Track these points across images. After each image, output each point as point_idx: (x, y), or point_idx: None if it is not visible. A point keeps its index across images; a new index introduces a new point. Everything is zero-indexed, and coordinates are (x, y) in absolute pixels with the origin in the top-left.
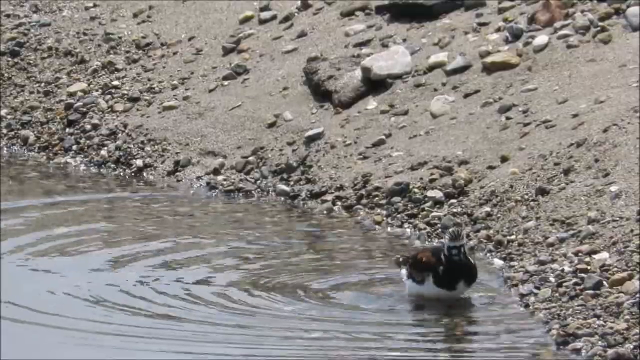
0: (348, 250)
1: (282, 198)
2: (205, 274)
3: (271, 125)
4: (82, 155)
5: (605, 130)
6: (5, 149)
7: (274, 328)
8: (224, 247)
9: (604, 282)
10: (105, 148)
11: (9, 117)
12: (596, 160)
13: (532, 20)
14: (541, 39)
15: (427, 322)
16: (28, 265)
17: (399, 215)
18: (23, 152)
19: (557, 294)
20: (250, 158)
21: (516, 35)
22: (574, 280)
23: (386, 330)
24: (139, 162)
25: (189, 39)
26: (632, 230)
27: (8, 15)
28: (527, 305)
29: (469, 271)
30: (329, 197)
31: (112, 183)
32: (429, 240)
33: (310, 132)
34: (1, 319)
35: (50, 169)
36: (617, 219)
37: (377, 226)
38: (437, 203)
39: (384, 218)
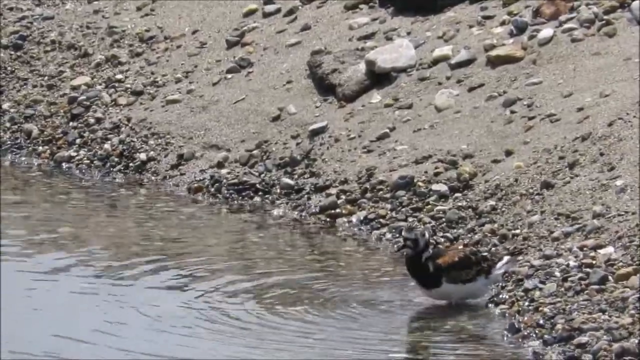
0: (351, 253)
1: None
2: (205, 277)
3: (275, 118)
4: (85, 149)
5: (610, 124)
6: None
7: (275, 331)
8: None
9: (609, 277)
10: (109, 142)
11: (12, 110)
12: (601, 154)
13: (537, 13)
14: (546, 32)
15: (433, 325)
16: (27, 263)
17: (403, 209)
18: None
19: (562, 289)
20: (254, 152)
21: (521, 29)
22: (579, 274)
23: (390, 334)
24: (142, 156)
25: (193, 33)
26: (637, 225)
27: (11, 9)
28: (532, 300)
29: (420, 271)
30: (333, 190)
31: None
32: (434, 234)
33: (314, 126)
34: (1, 319)
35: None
36: (623, 213)
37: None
38: (442, 197)
39: (389, 212)
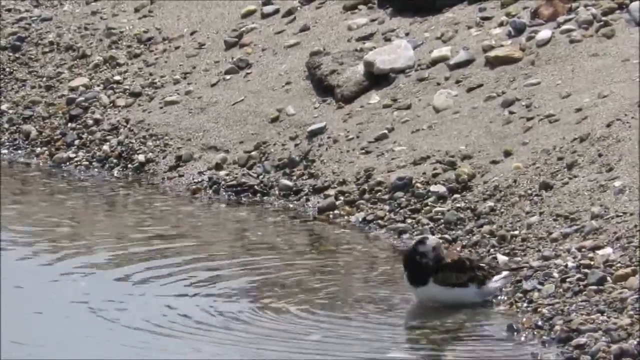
0: (350, 251)
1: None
2: (204, 273)
3: (274, 120)
4: (84, 151)
5: (608, 125)
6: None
7: (273, 330)
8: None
9: (608, 278)
10: (107, 143)
11: (10, 111)
12: (600, 155)
13: (535, 14)
14: (544, 33)
15: (431, 323)
16: (28, 266)
17: (401, 211)
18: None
19: (560, 290)
20: (253, 153)
21: (519, 30)
22: (578, 275)
23: (388, 332)
24: (141, 157)
25: (191, 34)
26: (635, 226)
27: (9, 10)
28: (530, 302)
29: (413, 266)
30: (331, 192)
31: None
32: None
33: (312, 127)
34: (1, 319)
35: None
36: (621, 214)
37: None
38: (441, 198)
39: (387, 213)
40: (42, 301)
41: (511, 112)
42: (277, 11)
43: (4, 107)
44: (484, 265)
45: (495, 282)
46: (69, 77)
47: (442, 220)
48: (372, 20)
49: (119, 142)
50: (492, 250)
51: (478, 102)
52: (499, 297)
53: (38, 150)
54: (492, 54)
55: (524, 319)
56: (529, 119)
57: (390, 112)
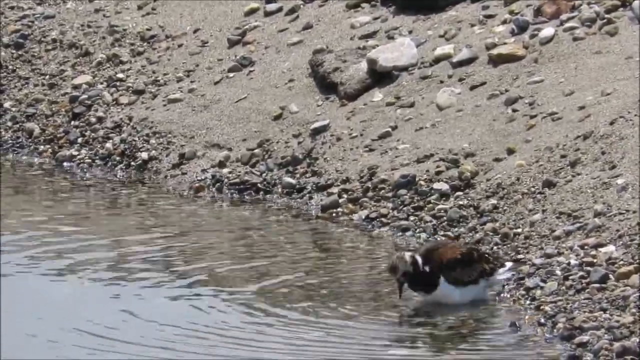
0: (352, 248)
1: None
2: (208, 272)
3: (277, 117)
4: (87, 148)
5: (611, 123)
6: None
7: (276, 328)
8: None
9: (610, 276)
10: (111, 141)
11: (13, 109)
12: (603, 153)
13: (538, 12)
14: (547, 31)
15: (434, 320)
16: (30, 267)
17: (405, 208)
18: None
19: (563, 287)
20: (256, 150)
21: (522, 28)
22: (580, 273)
23: (391, 329)
24: (144, 155)
25: (194, 31)
26: (638, 223)
27: (12, 7)
28: (533, 299)
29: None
30: (335, 189)
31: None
32: (435, 233)
33: (316, 125)
34: (1, 319)
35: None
36: (624, 211)
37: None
38: (444, 195)
39: (390, 211)
40: (43, 300)
41: (514, 110)
42: (280, 9)
43: (7, 104)
44: (489, 256)
45: (500, 274)
46: (72, 74)
47: (445, 218)
48: (375, 19)
49: (122, 140)
50: (495, 247)
51: (481, 100)
52: (502, 294)
53: (41, 148)
54: (495, 51)
55: (527, 316)
56: (532, 117)
57: (393, 110)
